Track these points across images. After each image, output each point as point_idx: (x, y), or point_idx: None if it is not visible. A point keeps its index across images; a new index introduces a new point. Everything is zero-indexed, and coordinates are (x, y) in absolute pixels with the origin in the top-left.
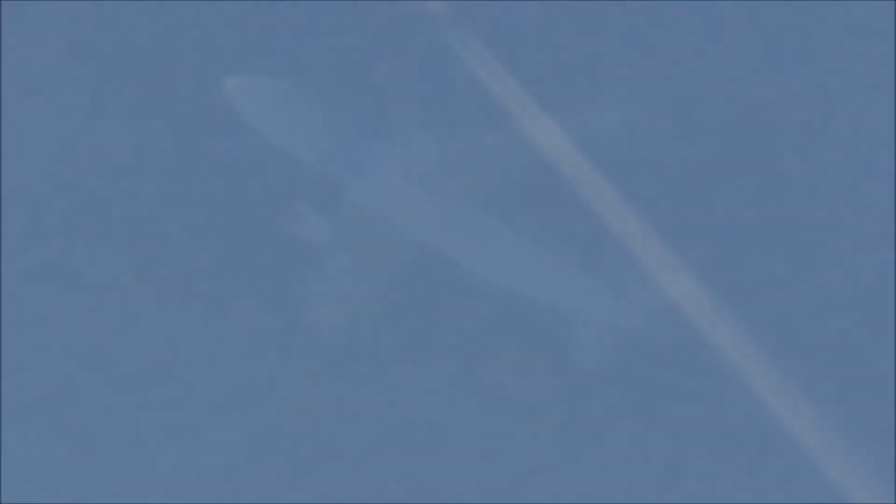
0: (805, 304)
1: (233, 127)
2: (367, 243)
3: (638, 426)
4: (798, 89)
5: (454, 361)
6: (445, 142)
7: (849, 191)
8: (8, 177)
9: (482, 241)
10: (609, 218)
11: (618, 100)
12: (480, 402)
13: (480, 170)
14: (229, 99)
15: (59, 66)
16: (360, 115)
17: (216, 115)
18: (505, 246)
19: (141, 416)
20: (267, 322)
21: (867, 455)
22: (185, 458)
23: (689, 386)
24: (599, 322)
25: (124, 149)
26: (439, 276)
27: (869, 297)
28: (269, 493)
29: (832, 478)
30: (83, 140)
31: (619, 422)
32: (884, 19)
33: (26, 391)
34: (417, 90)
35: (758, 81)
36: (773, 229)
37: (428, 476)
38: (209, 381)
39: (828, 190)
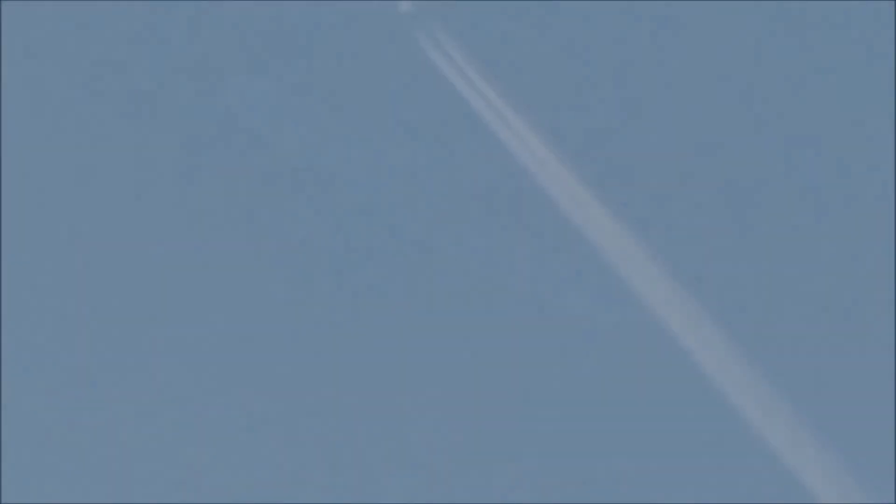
0: (788, 307)
1: (232, 127)
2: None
3: (617, 428)
4: (797, 89)
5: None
6: (414, 145)
7: (849, 191)
8: (8, 177)
9: (458, 243)
10: (587, 223)
11: (598, 104)
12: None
13: (453, 175)
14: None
15: (59, 66)
16: (327, 117)
17: (216, 115)
18: (480, 248)
19: (141, 416)
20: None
21: (846, 459)
22: (186, 458)
23: (665, 389)
24: (578, 325)
25: (124, 149)
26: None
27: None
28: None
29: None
30: (83, 140)
31: (596, 423)
32: (884, 19)
33: (26, 391)
34: (387, 92)
35: (753, 84)
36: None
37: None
38: (210, 381)
39: (827, 190)
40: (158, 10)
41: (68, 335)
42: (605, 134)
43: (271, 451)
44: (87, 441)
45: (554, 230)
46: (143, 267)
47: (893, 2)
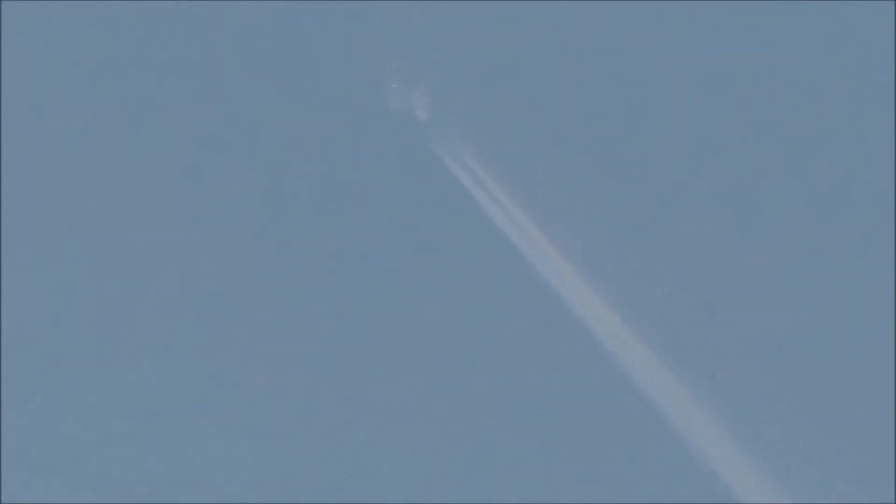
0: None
1: (232, 128)
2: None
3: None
4: (797, 89)
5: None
6: (427, 251)
7: (848, 191)
8: (8, 176)
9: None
10: (594, 321)
11: (608, 220)
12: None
13: (465, 279)
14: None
15: (58, 66)
16: (342, 220)
17: (216, 115)
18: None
19: (141, 416)
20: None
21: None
22: (186, 458)
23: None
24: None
25: (124, 149)
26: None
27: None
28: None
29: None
30: (83, 140)
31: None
32: (884, 19)
33: (26, 392)
34: (401, 198)
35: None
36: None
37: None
38: (212, 382)
39: (826, 191)
40: (158, 12)
41: (71, 335)
42: (615, 234)
43: (271, 451)
44: (88, 441)
45: (563, 329)
46: (144, 271)
47: (893, 2)
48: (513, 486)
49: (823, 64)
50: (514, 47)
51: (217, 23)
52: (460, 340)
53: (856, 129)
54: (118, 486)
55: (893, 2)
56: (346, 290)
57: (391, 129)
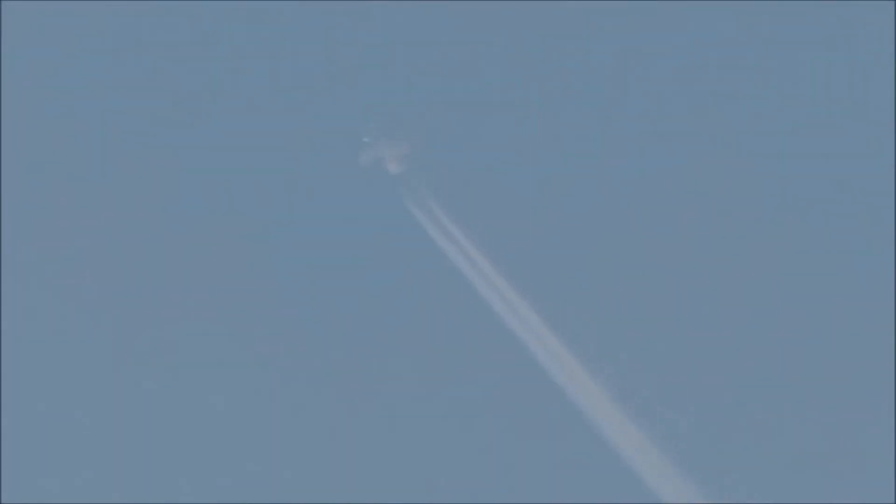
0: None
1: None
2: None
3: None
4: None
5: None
6: (396, 301)
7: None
8: (8, 176)
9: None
10: (562, 375)
11: (576, 260)
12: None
13: (432, 328)
14: None
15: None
16: (314, 272)
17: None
18: None
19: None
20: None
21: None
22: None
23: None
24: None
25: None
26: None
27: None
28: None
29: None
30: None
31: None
32: (884, 19)
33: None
34: (374, 252)
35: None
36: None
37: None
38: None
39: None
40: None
41: (71, 335)
42: (583, 291)
43: (271, 451)
44: (87, 441)
45: (529, 382)
46: (144, 271)
47: (893, 2)
48: None
49: (823, 64)
50: (484, 103)
51: (199, 71)
52: (435, 388)
53: (856, 128)
54: (118, 486)
55: (893, 2)
56: (312, 337)
57: (363, 182)
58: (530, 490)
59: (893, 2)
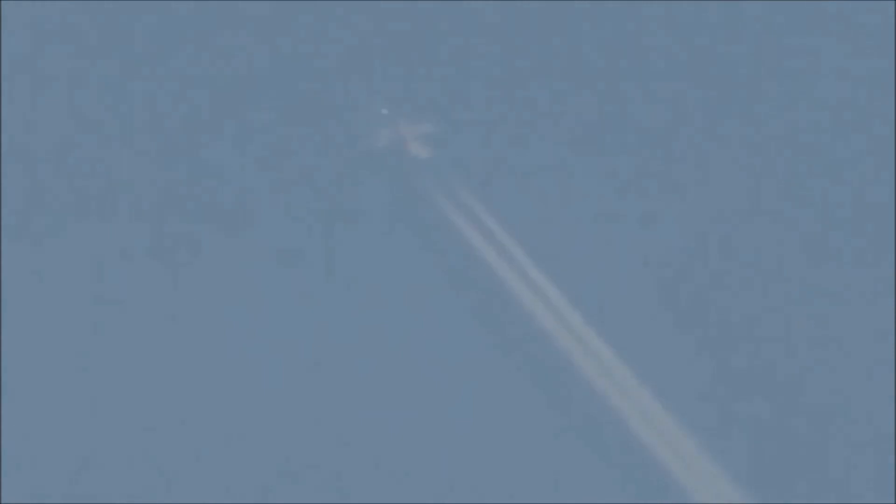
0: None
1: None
2: None
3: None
4: (798, 89)
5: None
6: (422, 289)
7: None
8: (8, 176)
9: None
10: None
11: (603, 252)
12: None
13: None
14: None
15: (59, 66)
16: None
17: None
18: None
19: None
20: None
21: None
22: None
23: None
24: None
25: (124, 148)
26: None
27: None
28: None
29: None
30: (83, 140)
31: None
32: (884, 19)
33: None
34: (394, 234)
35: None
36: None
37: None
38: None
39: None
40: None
41: (71, 334)
42: (629, 292)
43: (269, 451)
44: (88, 441)
45: (566, 382)
46: (144, 271)
47: (893, 2)
48: None
49: (824, 63)
50: (520, 78)
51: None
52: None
53: (856, 128)
54: (119, 487)
55: (893, 2)
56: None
57: (381, 166)
58: (562, 487)
59: (893, 2)
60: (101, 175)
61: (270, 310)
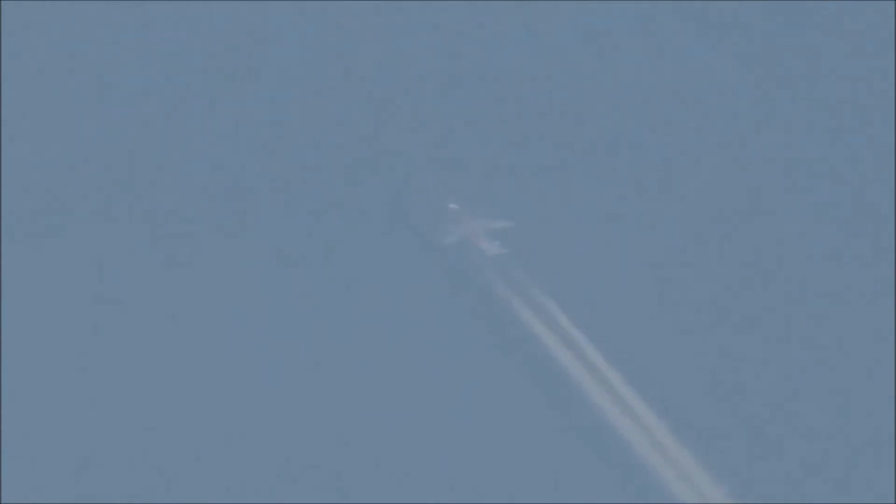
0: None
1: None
2: None
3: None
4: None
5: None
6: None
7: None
8: (8, 176)
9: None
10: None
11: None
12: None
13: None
14: None
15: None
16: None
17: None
18: None
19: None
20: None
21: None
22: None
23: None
24: None
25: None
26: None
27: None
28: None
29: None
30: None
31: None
32: (884, 19)
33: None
34: (467, 330)
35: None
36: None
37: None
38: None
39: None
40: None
41: (71, 333)
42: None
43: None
44: (88, 441)
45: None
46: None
47: (893, 2)
48: None
49: (824, 64)
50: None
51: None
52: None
53: (856, 128)
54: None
55: (893, 2)
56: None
57: (446, 264)
58: (561, 487)
59: (893, 2)
60: (101, 175)
61: (270, 310)
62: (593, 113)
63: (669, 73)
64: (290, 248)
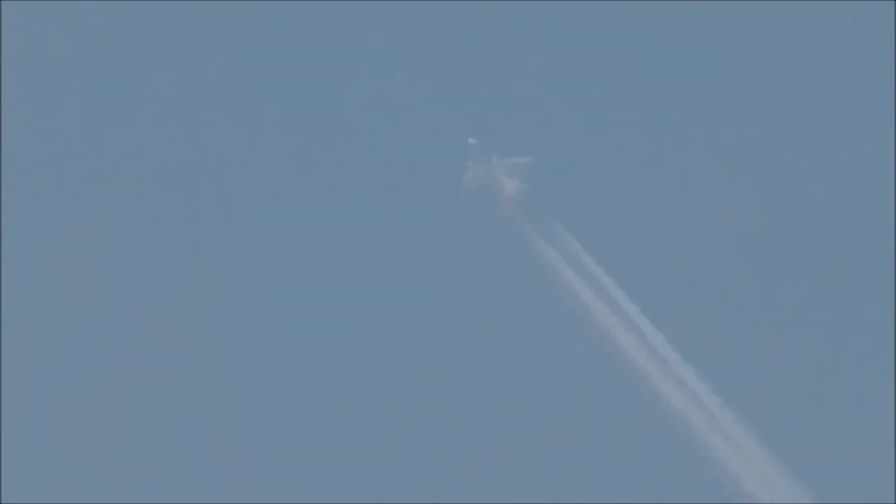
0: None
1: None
2: None
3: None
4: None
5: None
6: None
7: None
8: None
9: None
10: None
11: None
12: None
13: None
14: None
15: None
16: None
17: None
18: None
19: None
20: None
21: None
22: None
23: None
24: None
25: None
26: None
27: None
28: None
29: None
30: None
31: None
32: (884, 19)
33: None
34: (485, 270)
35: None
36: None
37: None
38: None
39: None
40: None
41: (71, 332)
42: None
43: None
44: (88, 441)
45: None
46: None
47: (893, 2)
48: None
49: (824, 64)
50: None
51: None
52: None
53: (856, 128)
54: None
55: (893, 2)
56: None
57: (466, 204)
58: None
59: (893, 2)
60: (102, 175)
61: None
62: (619, 37)
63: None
64: (301, 182)
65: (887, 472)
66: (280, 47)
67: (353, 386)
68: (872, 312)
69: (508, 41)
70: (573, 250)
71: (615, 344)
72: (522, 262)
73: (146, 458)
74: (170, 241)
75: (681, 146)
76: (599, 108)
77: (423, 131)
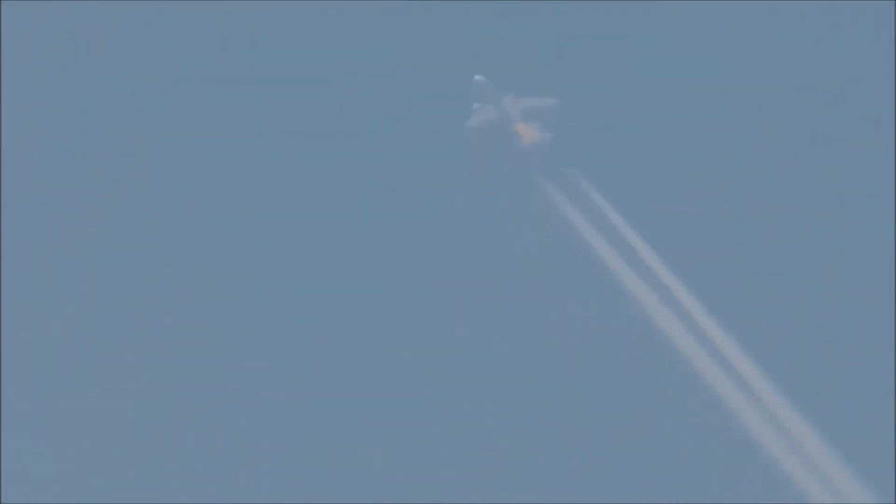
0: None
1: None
2: None
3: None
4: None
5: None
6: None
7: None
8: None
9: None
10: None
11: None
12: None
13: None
14: None
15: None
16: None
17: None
18: None
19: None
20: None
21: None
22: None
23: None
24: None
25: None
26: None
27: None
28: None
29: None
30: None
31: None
32: (884, 19)
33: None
34: (497, 227)
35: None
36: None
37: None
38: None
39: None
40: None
41: (71, 331)
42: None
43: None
44: (87, 441)
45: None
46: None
47: (893, 2)
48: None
49: (824, 64)
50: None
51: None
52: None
53: (856, 128)
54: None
55: (893, 2)
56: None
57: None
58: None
59: (893, 2)
60: (102, 175)
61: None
62: (619, 37)
63: None
64: (301, 182)
65: (887, 472)
66: (280, 47)
67: (354, 386)
68: (872, 312)
69: (508, 41)
70: (599, 207)
71: (664, 335)
72: (550, 238)
73: (146, 458)
74: (169, 240)
75: (681, 144)
76: (599, 109)
77: (423, 131)
